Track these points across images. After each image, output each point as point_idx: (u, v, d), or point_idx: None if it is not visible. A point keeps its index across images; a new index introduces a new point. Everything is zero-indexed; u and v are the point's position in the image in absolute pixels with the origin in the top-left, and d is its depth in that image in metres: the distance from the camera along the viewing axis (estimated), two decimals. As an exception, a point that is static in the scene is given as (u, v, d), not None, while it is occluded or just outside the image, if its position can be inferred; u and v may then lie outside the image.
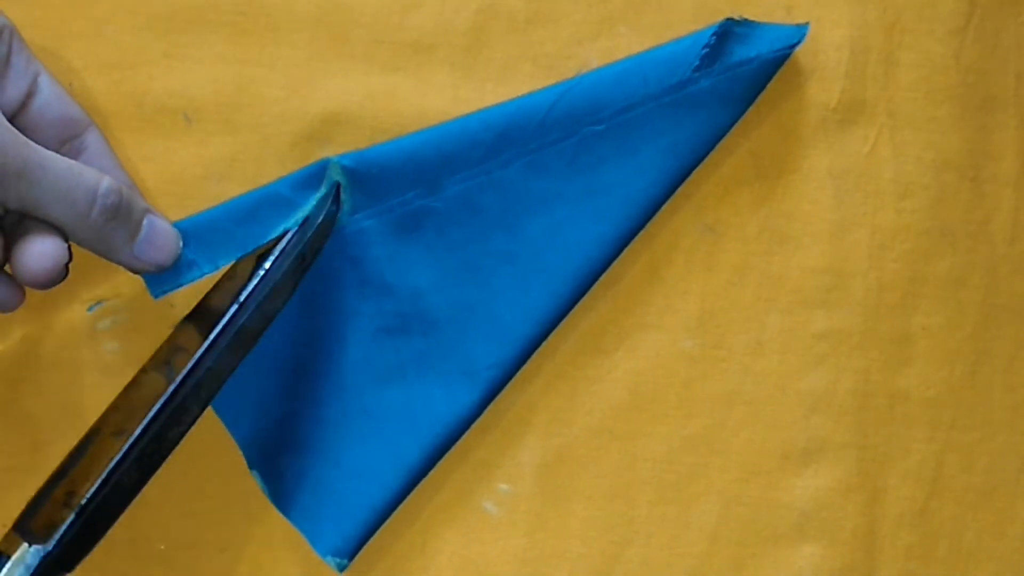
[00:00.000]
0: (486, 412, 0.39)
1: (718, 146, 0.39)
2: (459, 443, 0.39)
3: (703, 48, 0.37)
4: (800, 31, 0.38)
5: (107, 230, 0.32)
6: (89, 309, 0.38)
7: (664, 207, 0.39)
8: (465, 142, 0.37)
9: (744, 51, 0.37)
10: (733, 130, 0.39)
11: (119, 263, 0.34)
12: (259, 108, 0.39)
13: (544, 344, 0.39)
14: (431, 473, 0.38)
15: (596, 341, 0.39)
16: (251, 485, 0.38)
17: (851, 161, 0.40)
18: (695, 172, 0.39)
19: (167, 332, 0.38)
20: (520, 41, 0.40)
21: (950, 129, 0.40)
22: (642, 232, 0.39)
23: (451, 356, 0.37)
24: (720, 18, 0.40)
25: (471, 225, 0.37)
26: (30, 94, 0.35)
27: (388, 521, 0.38)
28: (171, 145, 0.39)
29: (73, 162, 0.32)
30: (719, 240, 0.40)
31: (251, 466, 0.38)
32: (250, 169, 0.39)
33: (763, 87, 0.38)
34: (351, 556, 0.37)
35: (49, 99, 0.35)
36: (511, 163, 0.37)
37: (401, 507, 0.38)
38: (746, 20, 0.38)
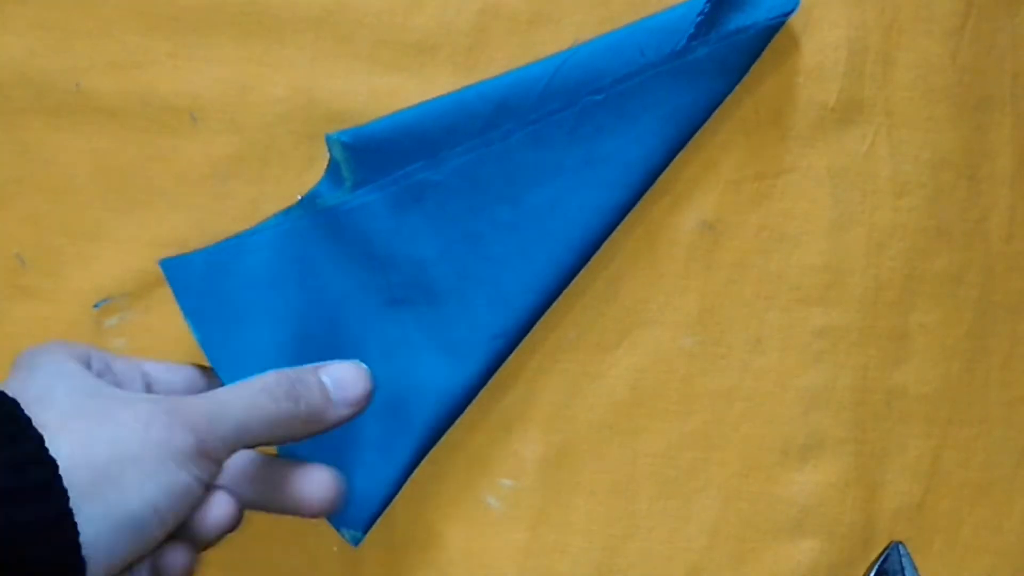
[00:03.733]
0: (489, 407, 0.39)
1: (718, 144, 0.40)
2: (462, 438, 0.39)
3: (698, 16, 0.37)
4: None
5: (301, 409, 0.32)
6: (95, 306, 0.39)
7: (664, 205, 0.40)
8: (464, 114, 0.37)
9: (740, 18, 0.38)
10: (733, 128, 0.40)
11: (336, 425, 0.34)
12: (264, 108, 0.39)
13: (546, 341, 0.39)
14: (434, 468, 0.39)
15: (597, 338, 0.39)
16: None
17: (849, 160, 0.40)
18: (695, 171, 0.40)
19: (173, 329, 0.38)
20: (522, 41, 0.40)
21: (947, 128, 0.40)
22: (643, 230, 0.40)
23: (456, 326, 0.37)
24: (720, 18, 0.40)
25: (473, 196, 0.38)
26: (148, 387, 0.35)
27: (391, 516, 0.39)
28: (177, 144, 0.39)
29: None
30: (719, 238, 0.40)
31: None
32: (255, 168, 0.39)
33: (759, 55, 0.38)
34: (365, 529, 0.37)
35: (161, 378, 0.35)
36: (511, 134, 0.37)
37: (405, 501, 0.39)
38: None
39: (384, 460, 0.37)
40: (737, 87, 0.39)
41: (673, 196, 0.40)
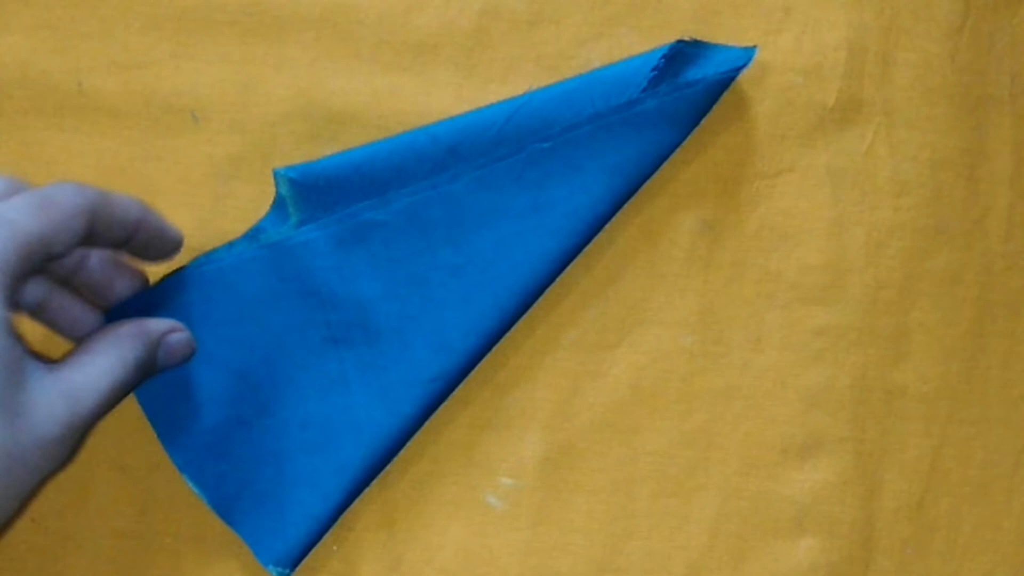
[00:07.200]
0: (489, 407, 0.39)
1: (718, 145, 0.40)
2: (462, 438, 0.39)
3: (652, 71, 0.37)
4: (747, 54, 0.38)
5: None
6: (97, 306, 0.39)
7: (664, 205, 0.40)
8: (414, 156, 0.37)
9: (692, 72, 0.38)
10: (732, 129, 0.40)
11: None
12: (266, 107, 0.39)
13: (546, 341, 0.39)
14: (434, 468, 0.39)
15: (598, 337, 0.40)
16: (257, 479, 0.38)
17: (849, 160, 0.40)
18: (695, 171, 0.40)
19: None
20: (522, 41, 0.40)
21: (946, 128, 0.40)
22: (642, 230, 0.40)
23: (394, 367, 0.37)
24: (719, 19, 0.40)
25: (418, 238, 0.38)
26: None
27: (391, 515, 0.39)
28: (179, 144, 0.39)
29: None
30: (718, 238, 0.40)
31: (181, 470, 0.37)
32: (256, 168, 0.39)
33: (709, 108, 0.39)
34: (293, 565, 0.37)
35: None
36: (458, 177, 0.37)
37: (405, 501, 0.39)
38: (696, 41, 0.38)
39: (315, 498, 0.37)
40: (735, 87, 0.39)
41: (673, 196, 0.40)
